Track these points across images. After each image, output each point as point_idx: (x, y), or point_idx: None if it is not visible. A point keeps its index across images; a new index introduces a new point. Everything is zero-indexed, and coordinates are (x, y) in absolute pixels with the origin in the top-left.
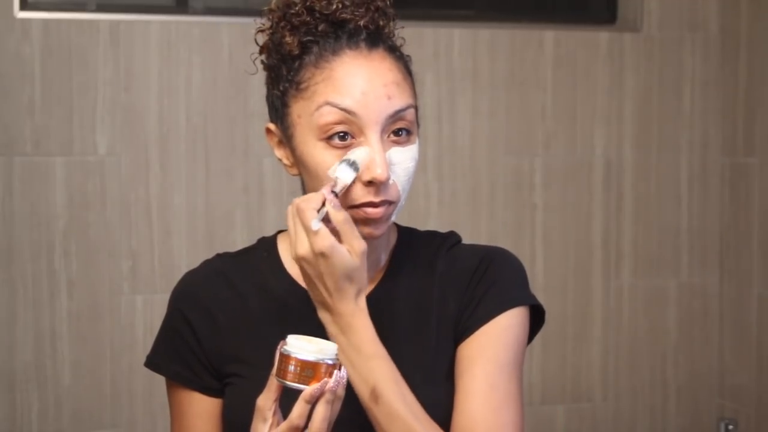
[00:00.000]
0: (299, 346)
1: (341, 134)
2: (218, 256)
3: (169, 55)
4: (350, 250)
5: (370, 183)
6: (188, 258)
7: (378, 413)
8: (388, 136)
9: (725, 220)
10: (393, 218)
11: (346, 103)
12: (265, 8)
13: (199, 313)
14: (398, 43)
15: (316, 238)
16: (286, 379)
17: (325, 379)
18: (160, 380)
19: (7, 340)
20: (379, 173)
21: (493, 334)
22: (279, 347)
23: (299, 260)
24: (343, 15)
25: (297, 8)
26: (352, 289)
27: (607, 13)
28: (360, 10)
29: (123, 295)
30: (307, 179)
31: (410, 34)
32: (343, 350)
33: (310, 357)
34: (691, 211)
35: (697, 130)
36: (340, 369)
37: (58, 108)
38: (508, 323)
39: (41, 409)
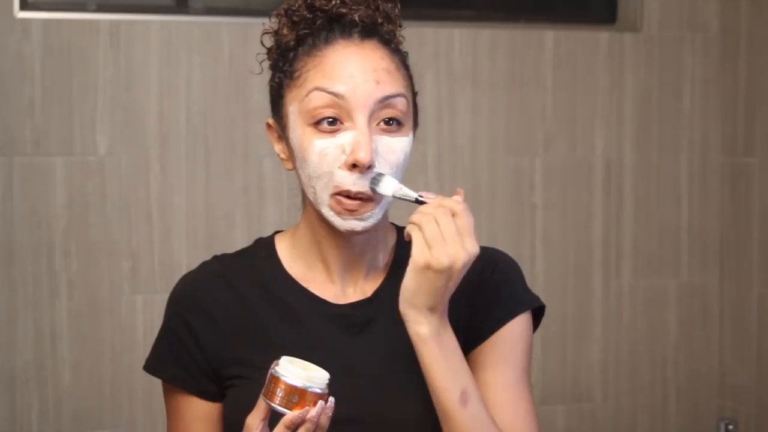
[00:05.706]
0: (290, 370)
1: (330, 119)
2: (215, 258)
3: (169, 55)
4: None
5: (353, 167)
6: (188, 258)
7: (464, 416)
8: (378, 124)
9: (725, 220)
10: (380, 215)
11: (335, 87)
12: (273, 12)
13: (198, 315)
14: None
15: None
16: (272, 402)
17: (307, 407)
18: (159, 381)
19: (7, 340)
20: (362, 156)
21: (510, 339)
22: (271, 367)
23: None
24: (341, 9)
25: (298, 5)
26: None
27: (607, 13)
28: (358, 6)
29: (123, 295)
30: (299, 169)
31: (410, 34)
32: (436, 352)
33: (297, 383)
34: (691, 211)
35: (697, 130)
36: (327, 400)
37: (58, 108)
38: (522, 328)
39: (41, 409)
